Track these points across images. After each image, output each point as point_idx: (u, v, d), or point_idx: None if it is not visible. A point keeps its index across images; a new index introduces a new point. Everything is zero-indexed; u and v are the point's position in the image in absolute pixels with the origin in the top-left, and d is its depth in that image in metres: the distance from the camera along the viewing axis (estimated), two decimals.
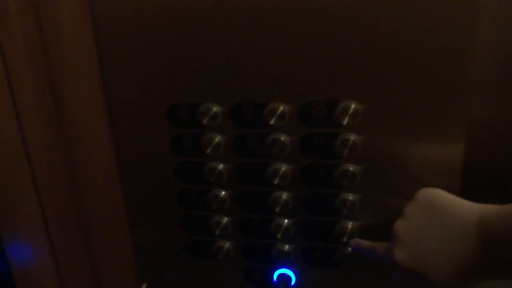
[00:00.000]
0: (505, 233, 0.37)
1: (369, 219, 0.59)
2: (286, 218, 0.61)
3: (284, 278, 0.64)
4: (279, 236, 0.61)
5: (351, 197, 0.58)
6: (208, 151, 0.59)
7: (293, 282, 0.65)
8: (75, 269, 0.61)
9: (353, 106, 0.53)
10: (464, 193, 0.54)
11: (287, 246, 0.63)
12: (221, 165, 0.60)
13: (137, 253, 0.69)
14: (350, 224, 0.59)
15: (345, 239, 0.59)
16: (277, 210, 0.60)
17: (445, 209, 0.45)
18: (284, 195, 0.60)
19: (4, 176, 0.47)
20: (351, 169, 0.56)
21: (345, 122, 0.53)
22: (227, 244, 0.65)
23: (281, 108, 0.55)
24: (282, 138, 0.56)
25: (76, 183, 0.61)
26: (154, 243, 0.68)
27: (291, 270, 0.65)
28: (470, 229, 0.41)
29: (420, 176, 0.55)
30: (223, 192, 0.62)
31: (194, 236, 0.66)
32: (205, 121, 0.57)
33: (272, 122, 0.55)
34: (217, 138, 0.58)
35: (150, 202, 0.65)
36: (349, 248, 0.61)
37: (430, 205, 0.46)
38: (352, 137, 0.54)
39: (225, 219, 0.63)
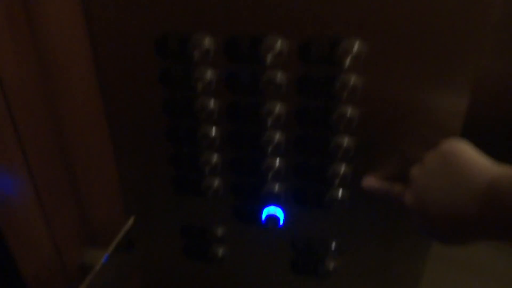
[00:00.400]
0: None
1: (363, 163, 0.57)
2: (278, 158, 0.60)
3: (272, 219, 0.64)
4: (270, 176, 0.60)
5: (346, 140, 0.56)
6: (199, 86, 0.55)
7: (281, 223, 0.65)
8: (59, 204, 0.60)
9: (356, 45, 0.49)
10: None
11: (277, 186, 0.62)
12: (212, 102, 0.57)
13: (124, 186, 0.68)
14: (343, 167, 0.58)
15: (337, 182, 0.59)
16: (269, 150, 0.58)
17: (461, 163, 0.44)
18: (277, 136, 0.57)
19: None
20: (349, 113, 0.53)
21: (347, 62, 0.50)
22: (216, 182, 0.64)
23: (279, 43, 0.51)
24: (279, 76, 0.53)
25: (58, 112, 0.57)
26: (141, 177, 0.67)
27: (281, 209, 0.65)
28: (479, 190, 0.41)
29: (418, 126, 0.53)
30: (214, 130, 0.59)
31: (182, 172, 0.65)
32: (196, 55, 0.53)
33: (269, 58, 0.51)
34: (209, 73, 0.55)
35: (137, 136, 0.63)
36: (340, 191, 0.60)
37: (449, 156, 0.46)
38: (353, 79, 0.51)
39: (215, 157, 0.62)
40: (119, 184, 0.67)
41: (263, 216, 0.64)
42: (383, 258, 0.66)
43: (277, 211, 0.65)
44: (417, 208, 0.48)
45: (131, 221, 0.68)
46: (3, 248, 0.49)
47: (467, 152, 0.45)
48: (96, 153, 0.63)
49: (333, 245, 0.67)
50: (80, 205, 0.64)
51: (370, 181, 0.57)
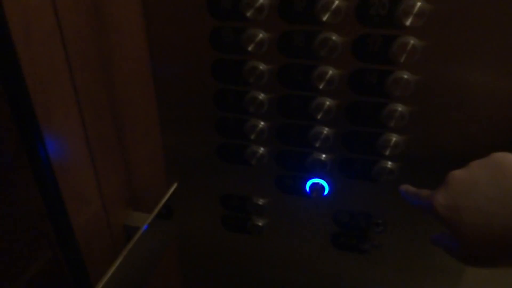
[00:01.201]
0: None
1: (417, 135, 0.55)
2: (327, 126, 0.58)
3: (317, 187, 0.63)
4: (317, 145, 0.59)
5: (400, 108, 0.54)
6: (250, 48, 0.54)
7: (326, 192, 0.64)
8: (109, 165, 0.61)
9: (418, 4, 0.47)
10: None
11: (324, 156, 0.61)
12: (263, 65, 0.56)
13: (168, 153, 0.68)
14: (395, 137, 0.56)
15: (387, 152, 0.57)
16: (318, 117, 0.57)
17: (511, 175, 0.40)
18: (328, 102, 0.56)
19: (39, 54, 0.44)
20: (406, 77, 0.51)
21: (408, 23, 0.48)
22: (261, 150, 0.63)
23: (336, 2, 0.49)
24: (334, 38, 0.51)
25: (111, 77, 0.58)
26: (186, 144, 0.66)
27: (325, 180, 0.63)
28: None
29: (477, 101, 0.51)
30: (262, 95, 0.58)
31: (228, 140, 0.64)
32: (249, 13, 0.52)
33: (325, 18, 0.50)
34: (261, 34, 0.54)
35: (183, 101, 0.62)
36: (389, 163, 0.58)
37: (499, 167, 0.41)
38: (413, 41, 0.49)
39: (261, 124, 0.61)
40: (163, 150, 0.67)
41: (308, 185, 0.63)
42: (427, 242, 0.64)
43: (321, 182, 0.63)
44: (447, 214, 0.42)
45: (173, 188, 0.69)
46: (59, 201, 0.49)
47: None
48: (144, 118, 0.63)
49: (377, 221, 0.65)
50: (127, 169, 0.65)
51: (406, 187, 0.53)
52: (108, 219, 0.60)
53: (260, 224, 0.71)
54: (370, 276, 0.71)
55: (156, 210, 0.62)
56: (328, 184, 0.63)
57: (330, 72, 0.54)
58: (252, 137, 0.61)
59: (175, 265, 0.79)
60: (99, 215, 0.58)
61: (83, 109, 0.51)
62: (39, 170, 0.44)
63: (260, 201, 0.69)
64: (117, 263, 0.51)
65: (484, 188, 0.41)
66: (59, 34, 0.45)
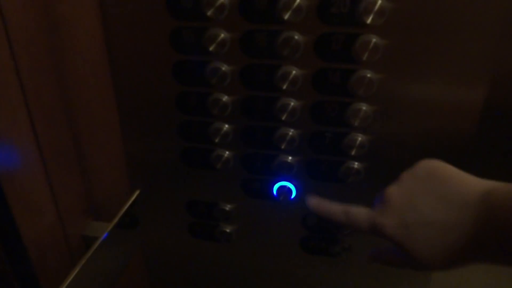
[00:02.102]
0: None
1: (381, 134, 0.55)
2: (292, 128, 0.57)
3: (284, 190, 0.61)
4: (283, 147, 0.58)
5: (364, 107, 0.53)
6: (211, 48, 0.53)
7: (293, 195, 0.62)
8: (64, 173, 0.57)
9: (379, 2, 0.47)
10: (479, 141, 0.50)
11: (290, 158, 0.60)
12: (225, 65, 0.54)
13: (130, 159, 0.65)
14: (360, 137, 0.55)
15: (353, 153, 0.56)
16: (283, 118, 0.55)
17: (447, 179, 0.40)
18: (292, 103, 0.55)
19: None
20: (369, 76, 0.51)
21: (369, 20, 0.47)
22: (226, 153, 0.61)
23: (298, 1, 0.48)
24: (296, 37, 0.50)
25: (65, 80, 0.55)
26: (148, 150, 0.64)
27: (292, 183, 0.62)
28: (471, 204, 0.36)
29: (439, 96, 0.51)
30: (226, 97, 0.57)
31: (191, 144, 0.62)
32: (210, 13, 0.50)
33: (286, 16, 0.49)
34: (223, 34, 0.52)
35: (144, 105, 0.60)
36: (355, 164, 0.58)
37: (432, 174, 0.41)
38: (375, 39, 0.49)
39: (226, 126, 0.59)
40: (124, 156, 0.64)
41: (275, 188, 0.62)
42: None
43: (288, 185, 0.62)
44: (397, 233, 0.41)
45: (135, 194, 0.66)
46: (6, 212, 0.46)
47: (450, 168, 0.41)
48: (102, 122, 0.61)
49: None
50: (85, 176, 0.62)
51: (316, 200, 0.50)
52: (65, 230, 0.56)
53: (228, 230, 0.69)
54: (342, 280, 0.70)
55: (116, 219, 0.60)
56: (296, 187, 0.62)
57: (294, 72, 0.53)
58: (217, 140, 0.60)
59: (142, 274, 0.76)
60: (54, 226, 0.54)
61: (33, 113, 0.48)
62: None
63: (227, 207, 0.67)
64: (73, 274, 0.48)
65: (424, 199, 0.40)
66: (4, 33, 0.42)
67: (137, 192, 0.66)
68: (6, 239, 0.45)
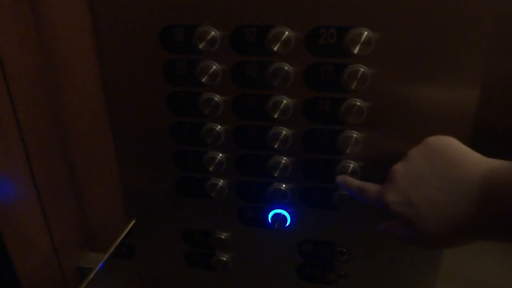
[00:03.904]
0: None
1: (373, 160, 0.56)
2: (285, 156, 0.58)
3: (279, 218, 0.62)
4: (276, 174, 0.58)
5: (355, 134, 0.54)
6: (204, 79, 0.54)
7: (288, 223, 0.63)
8: (59, 205, 0.58)
9: (365, 33, 0.48)
10: (472, 143, 0.51)
11: (284, 185, 0.60)
12: (218, 96, 0.56)
13: (125, 189, 0.66)
14: (352, 164, 0.56)
15: None
16: (275, 146, 0.56)
17: (452, 158, 0.41)
18: (284, 131, 0.56)
19: None
20: (358, 104, 0.52)
21: (356, 51, 0.49)
22: (221, 182, 0.62)
23: (287, 33, 0.50)
24: (286, 67, 0.52)
25: (61, 113, 0.56)
26: (143, 180, 0.65)
27: (286, 211, 0.62)
28: (475, 182, 0.37)
29: (429, 120, 0.52)
30: (219, 127, 0.58)
31: (186, 173, 0.63)
32: (202, 46, 0.52)
33: (275, 48, 0.50)
34: (214, 66, 0.54)
35: (139, 135, 0.61)
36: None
37: (437, 152, 0.42)
38: (362, 68, 0.50)
39: (219, 155, 0.60)
40: (120, 186, 0.65)
41: (270, 216, 0.62)
42: (394, 266, 0.63)
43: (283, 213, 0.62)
44: (402, 210, 0.42)
45: (131, 224, 0.66)
46: (0, 245, 0.46)
47: (456, 145, 0.42)
48: (98, 154, 0.61)
49: (342, 249, 0.64)
50: (80, 207, 0.62)
51: (344, 177, 0.54)
52: (60, 262, 0.56)
53: (224, 259, 0.69)
54: None
55: (112, 249, 0.59)
56: (290, 214, 0.62)
57: (284, 101, 0.54)
58: (211, 169, 0.60)
59: None
60: (49, 258, 0.54)
61: (29, 146, 0.49)
62: None
63: (223, 235, 0.67)
64: None
65: (429, 178, 0.41)
66: (0, 68, 0.43)
67: (133, 222, 0.67)
68: (0, 272, 0.45)
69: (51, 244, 0.55)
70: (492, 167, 0.37)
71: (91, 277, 0.55)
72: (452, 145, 0.43)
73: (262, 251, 0.67)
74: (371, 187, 0.49)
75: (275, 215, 0.62)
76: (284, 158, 0.58)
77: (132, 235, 0.67)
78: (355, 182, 0.52)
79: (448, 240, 0.40)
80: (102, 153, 0.61)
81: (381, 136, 0.54)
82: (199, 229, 0.67)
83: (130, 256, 0.67)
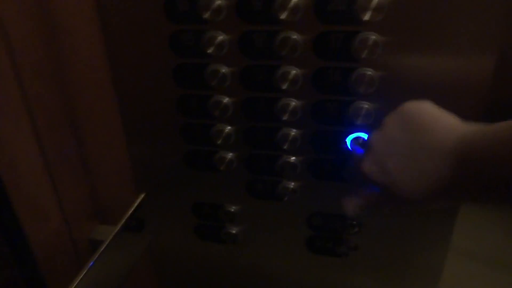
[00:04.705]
0: (486, 151, 0.34)
1: None
2: (294, 128, 0.57)
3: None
4: (285, 147, 0.58)
5: (366, 105, 0.53)
6: (210, 50, 0.53)
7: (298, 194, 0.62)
8: (69, 177, 0.58)
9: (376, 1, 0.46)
10: (489, 115, 0.49)
11: (293, 158, 0.59)
12: (225, 67, 0.54)
13: (135, 163, 0.66)
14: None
15: None
16: (284, 118, 0.55)
17: (425, 124, 0.40)
18: (293, 103, 0.55)
19: None
20: (369, 73, 0.50)
21: (366, 17, 0.47)
22: (229, 155, 0.61)
23: (294, 0, 0.48)
24: (294, 36, 0.50)
25: (67, 86, 0.55)
26: (152, 153, 0.64)
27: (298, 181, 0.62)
28: (448, 147, 0.37)
29: (442, 90, 0.50)
30: (226, 98, 0.57)
31: (194, 146, 0.62)
32: (207, 15, 0.51)
33: (283, 16, 0.49)
34: (221, 36, 0.52)
35: (146, 108, 0.60)
36: None
37: (411, 118, 0.41)
38: (374, 36, 0.48)
39: (228, 128, 0.59)
40: (129, 160, 0.65)
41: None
42: (404, 242, 0.63)
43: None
44: (379, 178, 0.42)
45: (141, 197, 0.66)
46: (13, 218, 0.47)
47: (430, 111, 0.41)
48: (105, 127, 0.61)
49: (352, 222, 0.64)
50: (90, 180, 0.62)
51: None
52: (71, 234, 0.57)
53: (233, 231, 0.69)
54: (349, 280, 0.70)
55: (122, 222, 0.60)
56: (301, 186, 0.62)
57: (293, 72, 0.52)
58: (219, 142, 0.60)
59: (149, 277, 0.77)
60: (60, 230, 0.55)
61: (36, 118, 0.48)
62: None
63: (233, 208, 0.67)
64: (79, 278, 0.49)
65: (402, 143, 0.41)
66: (4, 42, 0.43)
67: (142, 195, 0.67)
68: (13, 244, 0.46)
69: (62, 216, 0.55)
70: (465, 132, 0.37)
71: (102, 249, 0.56)
72: (426, 110, 0.41)
73: (271, 224, 0.67)
74: (357, 159, 0.47)
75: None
76: (294, 130, 0.57)
77: (142, 208, 0.67)
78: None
79: (427, 201, 0.40)
80: (109, 126, 0.61)
81: (393, 107, 0.52)
82: (209, 202, 0.67)
83: (140, 229, 0.68)
